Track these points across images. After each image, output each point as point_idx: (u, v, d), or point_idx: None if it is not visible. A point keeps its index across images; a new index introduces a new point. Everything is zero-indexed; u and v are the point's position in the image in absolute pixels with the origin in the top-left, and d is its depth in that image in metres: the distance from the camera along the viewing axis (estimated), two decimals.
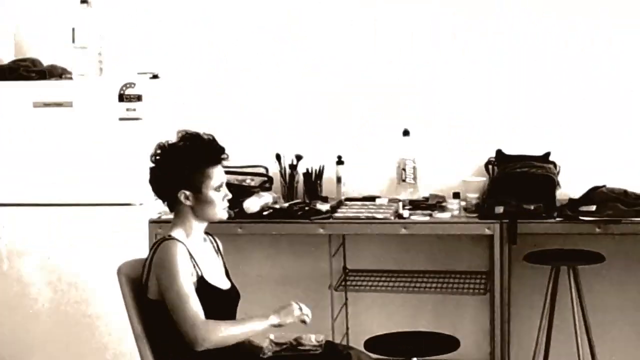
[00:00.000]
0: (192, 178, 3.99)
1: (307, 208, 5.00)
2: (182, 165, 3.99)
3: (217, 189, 4.02)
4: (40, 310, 5.08)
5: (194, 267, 3.95)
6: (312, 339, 3.98)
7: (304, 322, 3.99)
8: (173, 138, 4.08)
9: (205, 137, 4.04)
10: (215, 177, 4.01)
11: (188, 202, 3.98)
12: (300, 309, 3.98)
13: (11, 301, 5.10)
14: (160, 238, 4.10)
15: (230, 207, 4.27)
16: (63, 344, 5.09)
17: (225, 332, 3.88)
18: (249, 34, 5.61)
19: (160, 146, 4.03)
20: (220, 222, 4.12)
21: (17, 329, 5.12)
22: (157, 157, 4.02)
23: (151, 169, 4.03)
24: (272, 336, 3.98)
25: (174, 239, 3.95)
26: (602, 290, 5.41)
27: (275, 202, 5.03)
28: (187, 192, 3.98)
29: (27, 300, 5.10)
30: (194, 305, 3.87)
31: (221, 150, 4.07)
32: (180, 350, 3.91)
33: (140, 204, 4.92)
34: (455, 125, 5.49)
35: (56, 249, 5.06)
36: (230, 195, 4.10)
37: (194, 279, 3.93)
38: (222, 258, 4.20)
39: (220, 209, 4.04)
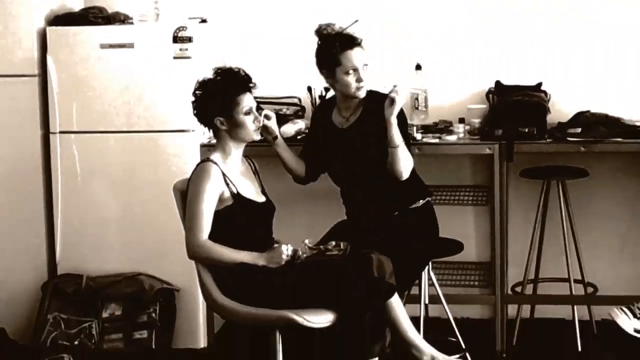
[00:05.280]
0: (224, 105, 4.17)
1: None
2: (215, 95, 4.18)
3: (247, 113, 4.17)
4: (111, 218, 5.34)
5: (228, 185, 4.14)
6: (340, 246, 4.24)
7: (293, 257, 4.16)
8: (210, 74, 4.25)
9: (235, 69, 4.22)
10: (243, 103, 4.17)
11: (223, 127, 4.16)
12: (288, 250, 4.13)
13: (86, 212, 5.35)
14: (200, 160, 4.33)
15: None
16: (128, 246, 5.34)
17: (212, 254, 4.08)
18: None
19: (199, 81, 4.23)
20: (254, 142, 4.28)
21: (92, 234, 5.37)
22: (197, 91, 4.22)
23: (192, 102, 4.24)
24: (306, 241, 4.23)
25: (209, 160, 4.15)
26: (587, 200, 5.54)
27: (307, 128, 5.06)
28: (222, 119, 4.16)
29: (99, 211, 5.34)
30: (204, 222, 4.08)
31: (248, 79, 4.23)
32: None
33: (193, 130, 5.10)
34: (461, 60, 5.59)
35: (122, 170, 5.29)
36: (261, 119, 4.26)
37: (228, 194, 4.13)
38: (259, 177, 4.40)
39: (251, 131, 4.21)
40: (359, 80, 4.40)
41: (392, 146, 4.38)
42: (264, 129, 4.34)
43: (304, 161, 4.65)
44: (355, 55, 4.43)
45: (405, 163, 4.43)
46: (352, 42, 4.46)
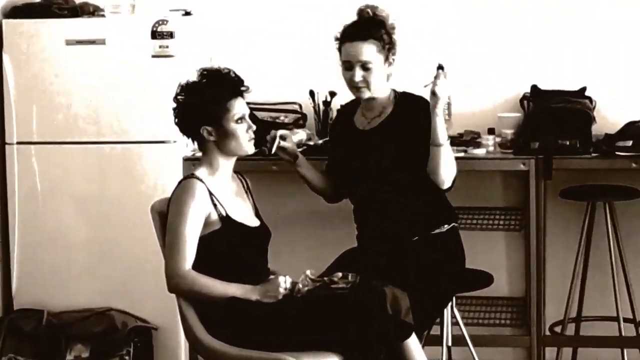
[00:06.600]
0: (212, 112, 4.02)
1: None
2: (201, 100, 4.04)
3: (238, 121, 4.02)
4: (77, 245, 5.19)
5: (216, 206, 4.02)
6: (348, 277, 4.06)
7: (292, 290, 4.03)
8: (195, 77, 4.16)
9: (224, 70, 4.08)
10: (234, 110, 4.02)
11: (211, 138, 4.01)
12: (286, 282, 4.00)
13: (47, 237, 5.21)
14: (183, 177, 4.16)
15: (263, 144, 4.31)
16: (97, 278, 5.22)
17: (196, 286, 3.96)
18: None
19: (182, 84, 4.09)
20: (247, 156, 4.13)
21: (55, 263, 5.26)
22: (179, 96, 4.08)
23: (174, 109, 4.09)
24: (308, 272, 4.05)
25: (193, 177, 4.02)
26: (638, 226, 5.36)
27: (309, 139, 5.06)
28: (209, 128, 4.00)
29: (63, 236, 5.20)
30: (187, 250, 3.97)
31: (239, 81, 4.09)
32: None
33: (174, 142, 5.00)
34: (490, 60, 5.46)
35: (91, 187, 5.17)
36: (254, 127, 4.09)
37: (215, 217, 4.00)
38: (252, 197, 4.27)
39: (243, 142, 4.05)
40: (352, 77, 4.39)
41: (434, 144, 4.30)
42: (282, 151, 4.29)
43: (331, 177, 4.65)
44: (351, 49, 4.36)
45: (447, 168, 4.36)
46: (354, 35, 4.41)
